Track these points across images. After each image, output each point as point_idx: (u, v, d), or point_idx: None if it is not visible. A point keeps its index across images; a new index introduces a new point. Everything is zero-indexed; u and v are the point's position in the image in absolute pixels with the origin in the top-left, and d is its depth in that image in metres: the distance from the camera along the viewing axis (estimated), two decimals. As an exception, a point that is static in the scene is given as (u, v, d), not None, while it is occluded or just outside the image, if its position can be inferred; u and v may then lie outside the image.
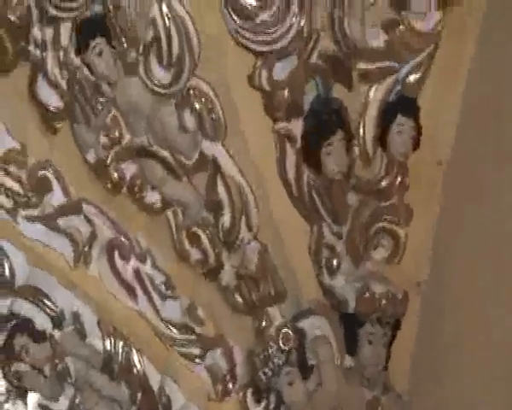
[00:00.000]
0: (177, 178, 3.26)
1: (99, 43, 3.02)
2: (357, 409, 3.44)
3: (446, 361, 3.23)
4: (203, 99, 3.07)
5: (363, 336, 3.35)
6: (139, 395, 3.65)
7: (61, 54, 3.08)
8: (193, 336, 3.55)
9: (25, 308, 3.55)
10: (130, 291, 3.51)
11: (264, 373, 3.43)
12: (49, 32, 3.05)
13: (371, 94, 3.04)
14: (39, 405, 3.71)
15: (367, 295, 3.30)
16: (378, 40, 2.94)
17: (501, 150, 2.93)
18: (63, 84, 3.13)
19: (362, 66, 3.00)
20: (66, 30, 3.04)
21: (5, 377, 3.68)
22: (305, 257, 3.33)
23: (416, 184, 3.15)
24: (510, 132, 2.88)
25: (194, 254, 3.38)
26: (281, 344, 3.41)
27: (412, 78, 2.99)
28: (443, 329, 3.24)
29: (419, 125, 3.05)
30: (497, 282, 2.98)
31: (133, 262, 3.47)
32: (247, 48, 2.98)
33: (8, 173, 3.31)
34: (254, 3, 2.89)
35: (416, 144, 3.08)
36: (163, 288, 3.50)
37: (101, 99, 3.14)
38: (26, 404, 3.74)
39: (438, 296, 3.23)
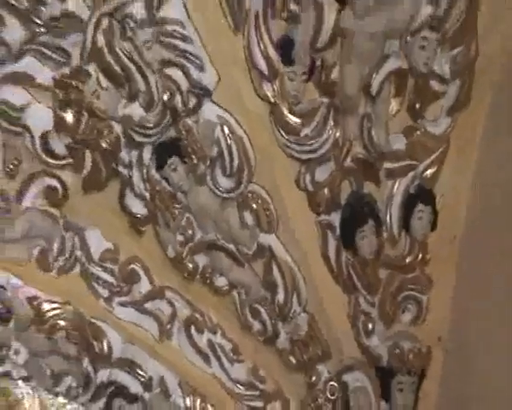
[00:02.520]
0: (240, 265, 3.14)
1: (174, 160, 2.91)
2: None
3: (468, 403, 3.03)
4: (259, 200, 2.98)
5: (394, 384, 3.21)
6: (214, 441, 3.52)
7: (145, 171, 2.98)
8: (256, 392, 3.42)
9: (120, 377, 3.45)
10: (205, 358, 3.39)
11: (315, 418, 3.28)
12: (135, 154, 2.96)
13: (395, 187, 2.92)
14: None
15: (397, 351, 3.16)
16: (400, 144, 2.84)
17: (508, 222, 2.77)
18: (147, 195, 3.03)
19: (387, 165, 2.88)
20: (147, 152, 2.94)
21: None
22: (345, 323, 3.20)
23: (435, 258, 3.03)
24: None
25: (256, 326, 3.26)
26: (328, 395, 3.29)
27: (429, 172, 2.87)
28: (463, 376, 3.07)
29: (436, 210, 2.92)
30: (509, 336, 2.78)
31: (206, 334, 3.34)
32: (293, 157, 2.88)
33: (104, 269, 3.20)
34: (298, 121, 2.80)
35: (433, 226, 2.94)
36: (231, 354, 3.37)
37: (177, 205, 3.04)
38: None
39: (457, 349, 3.05)
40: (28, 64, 2.73)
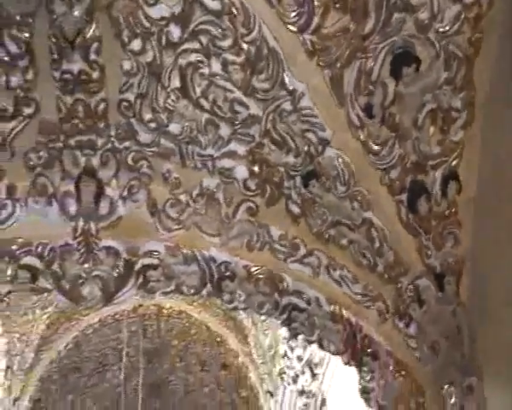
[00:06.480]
0: (353, 231, 3.04)
1: (313, 182, 2.91)
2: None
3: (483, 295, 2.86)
4: (361, 195, 2.91)
5: (446, 281, 2.97)
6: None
7: (297, 189, 2.97)
8: (368, 298, 3.29)
9: (294, 300, 3.42)
10: (338, 283, 3.29)
11: (402, 308, 3.16)
12: (291, 181, 2.95)
13: (436, 174, 2.78)
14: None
15: (445, 263, 2.94)
16: (437, 150, 2.71)
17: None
18: (299, 202, 3.02)
19: (430, 163, 2.75)
20: (298, 179, 2.93)
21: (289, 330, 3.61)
22: (414, 252, 3.00)
23: (462, 210, 2.83)
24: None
25: (364, 262, 3.13)
26: (408, 294, 3.12)
27: (454, 162, 2.73)
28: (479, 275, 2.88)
29: (460, 182, 2.78)
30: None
31: (338, 271, 3.24)
32: (377, 168, 2.80)
33: (281, 245, 3.21)
34: (379, 148, 2.73)
35: (459, 192, 2.81)
36: (352, 279, 3.23)
37: (316, 205, 3.01)
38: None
39: (473, 264, 2.91)
40: (234, 145, 2.85)
